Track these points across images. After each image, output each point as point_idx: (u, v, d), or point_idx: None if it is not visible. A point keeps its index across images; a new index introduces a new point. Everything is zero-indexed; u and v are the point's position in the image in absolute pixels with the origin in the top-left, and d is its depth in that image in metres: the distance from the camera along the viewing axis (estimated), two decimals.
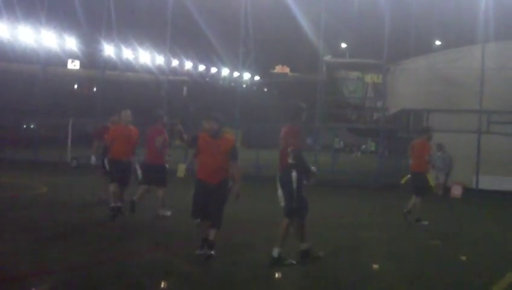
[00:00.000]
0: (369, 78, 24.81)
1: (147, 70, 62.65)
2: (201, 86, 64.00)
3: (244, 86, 39.97)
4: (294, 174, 8.23)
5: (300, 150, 8.38)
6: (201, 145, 8.47)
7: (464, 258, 9.66)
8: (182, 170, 12.58)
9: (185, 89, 66.97)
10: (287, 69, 74.56)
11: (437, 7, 30.95)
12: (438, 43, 40.62)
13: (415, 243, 10.74)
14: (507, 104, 21.11)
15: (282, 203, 8.31)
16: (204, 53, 62.59)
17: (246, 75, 44.97)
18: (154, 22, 37.74)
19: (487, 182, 21.08)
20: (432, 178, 14.21)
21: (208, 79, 60.90)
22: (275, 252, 8.08)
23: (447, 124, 21.59)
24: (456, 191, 21.05)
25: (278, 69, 75.51)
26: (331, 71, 25.47)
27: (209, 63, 66.88)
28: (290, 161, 8.24)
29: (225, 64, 62.27)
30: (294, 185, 8.23)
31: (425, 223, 12.66)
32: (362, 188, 21.16)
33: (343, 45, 51.43)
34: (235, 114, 26.13)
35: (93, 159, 14.05)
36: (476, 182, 21.27)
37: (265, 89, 65.16)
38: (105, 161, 12.58)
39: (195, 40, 51.01)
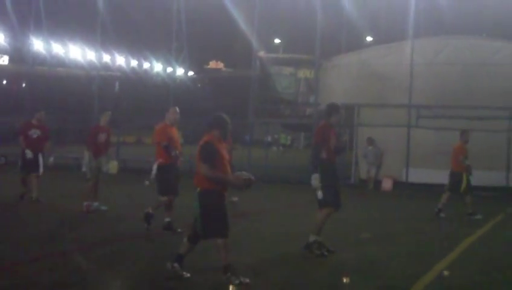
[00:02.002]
0: (302, 73, 25.00)
1: (77, 65, 61.36)
2: (134, 82, 63.23)
3: (178, 81, 39.60)
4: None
5: (317, 145, 9.09)
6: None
7: (393, 250, 9.87)
8: (114, 166, 12.74)
9: (117, 84, 66.01)
10: (221, 65, 74.42)
11: (368, 4, 31.40)
12: (369, 39, 41.23)
13: (346, 236, 10.87)
14: (435, 99, 21.66)
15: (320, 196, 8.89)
16: (136, 48, 61.85)
17: (180, 71, 44.61)
18: (84, 16, 36.97)
19: (416, 175, 21.59)
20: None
21: (140, 74, 60.19)
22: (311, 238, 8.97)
23: (378, 119, 22.02)
24: (387, 185, 21.50)
25: (212, 64, 75.30)
26: (265, 66, 25.55)
27: (141, 58, 66.14)
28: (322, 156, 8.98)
29: (158, 60, 61.68)
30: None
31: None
32: (295, 183, 21.24)
33: (277, 41, 51.66)
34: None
35: (51, 159, 14.11)
36: (406, 175, 21.75)
37: (199, 85, 64.92)
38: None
39: (127, 35, 50.32)
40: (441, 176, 21.04)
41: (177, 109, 11.05)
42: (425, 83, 21.89)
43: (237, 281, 7.17)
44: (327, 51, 25.96)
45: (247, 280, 7.25)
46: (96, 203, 12.80)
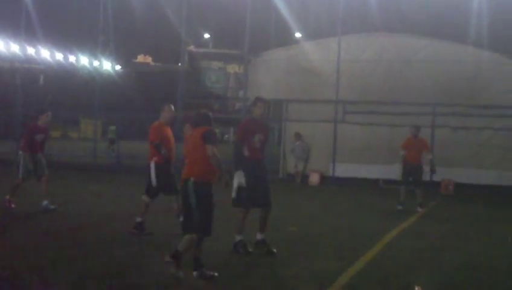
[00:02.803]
0: (231, 68, 25.00)
1: (1, 57, 59.46)
2: (59, 75, 61.80)
3: (104, 75, 38.95)
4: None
5: (238, 142, 8.83)
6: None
7: (320, 241, 9.99)
8: None
9: (41, 77, 64.37)
10: (149, 59, 73.61)
11: (297, 0, 31.67)
12: (298, 35, 41.52)
13: (274, 229, 10.92)
14: (361, 95, 22.08)
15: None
16: (62, 41, 60.45)
17: (106, 64, 43.90)
18: (8, 8, 35.88)
19: (343, 170, 21.96)
20: None
21: (66, 68, 58.91)
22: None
23: (305, 114, 22.27)
24: (314, 179, 21.78)
25: (140, 58, 74.41)
26: (194, 61, 25.41)
27: (67, 51, 64.71)
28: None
29: (84, 53, 60.53)
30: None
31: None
32: None
33: (206, 36, 51.49)
34: (95, 104, 25.46)
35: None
36: (333, 169, 22.09)
37: (127, 79, 64.05)
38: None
39: (52, 27, 49.09)
40: (366, 171, 21.66)
41: (172, 107, 10.71)
42: (352, 79, 22.28)
43: (173, 271, 7.08)
44: (256, 46, 26.05)
45: (181, 275, 7.11)
46: (45, 202, 12.21)
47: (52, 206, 12.24)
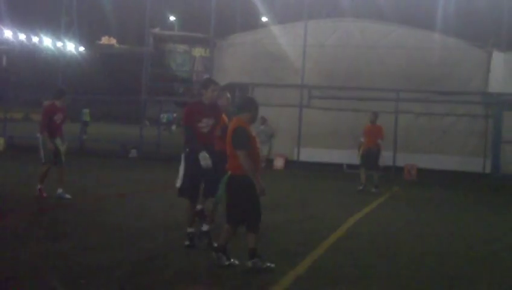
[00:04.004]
0: (197, 51, 24.82)
1: None
2: (22, 56, 60.71)
3: (68, 56, 38.42)
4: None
5: (185, 127, 8.21)
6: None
7: (283, 225, 10.04)
8: (0, 143, 12.06)
9: (4, 58, 63.14)
10: (113, 41, 72.60)
11: None
12: (264, 19, 41.42)
13: None
14: (327, 80, 22.15)
15: None
16: (25, 22, 59.32)
17: (70, 46, 43.26)
18: None
19: (307, 154, 22.07)
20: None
21: (29, 48, 57.79)
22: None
23: (271, 98, 22.25)
24: (279, 163, 21.83)
25: (104, 40, 73.32)
26: (159, 44, 25.15)
27: (30, 32, 63.57)
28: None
29: (47, 34, 59.53)
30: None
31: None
32: None
33: (172, 18, 51.06)
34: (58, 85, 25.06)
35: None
36: (298, 154, 22.18)
37: (91, 60, 63.25)
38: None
39: (15, 7, 48.19)
40: (331, 155, 21.78)
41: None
42: (318, 64, 22.34)
43: (227, 262, 7.09)
44: (222, 29, 25.90)
45: (273, 266, 7.13)
46: (60, 190, 11.77)
47: (68, 196, 11.76)
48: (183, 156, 8.18)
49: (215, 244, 7.35)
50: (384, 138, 16.38)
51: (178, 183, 8.12)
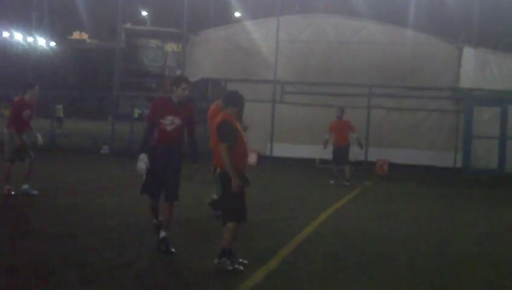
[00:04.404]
0: (169, 47, 24.67)
1: None
2: None
3: (39, 52, 38.01)
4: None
5: (148, 122, 7.91)
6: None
7: (255, 219, 10.05)
8: None
9: None
10: (85, 36, 71.96)
11: None
12: (237, 14, 41.40)
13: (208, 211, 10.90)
14: (300, 75, 22.18)
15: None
16: None
17: (41, 41, 42.79)
18: None
19: (280, 150, 22.11)
20: None
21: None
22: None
23: (244, 94, 22.04)
24: (252, 159, 21.75)
25: (76, 35, 72.63)
26: (131, 39, 24.96)
27: (0, 27, 62.75)
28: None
29: (18, 29, 58.84)
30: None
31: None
32: None
33: (144, 13, 50.80)
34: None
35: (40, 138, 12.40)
36: (270, 149, 22.21)
37: (62, 56, 62.68)
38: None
39: None
40: (303, 151, 21.83)
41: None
42: (290, 60, 22.35)
43: (230, 267, 6.93)
44: (195, 25, 25.80)
45: (242, 268, 7.00)
46: (26, 186, 11.58)
47: (35, 192, 11.59)
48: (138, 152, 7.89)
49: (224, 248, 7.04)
50: (356, 130, 16.85)
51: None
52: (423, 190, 16.29)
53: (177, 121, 7.78)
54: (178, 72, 24.24)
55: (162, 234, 7.76)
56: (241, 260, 7.10)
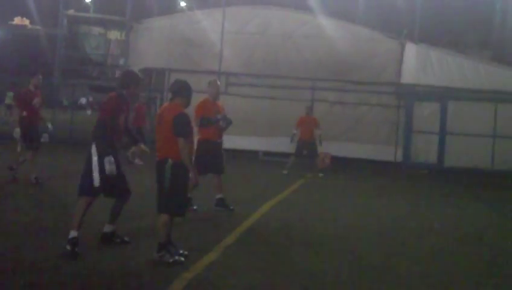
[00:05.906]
0: (112, 34, 24.30)
1: None
2: None
3: None
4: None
5: (105, 120, 7.33)
6: None
7: (200, 211, 10.02)
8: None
9: None
10: (26, 21, 70.35)
11: None
12: (182, 4, 41.06)
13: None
14: (244, 67, 22.13)
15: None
16: None
17: None
18: None
19: (226, 142, 21.99)
20: None
21: None
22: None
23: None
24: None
25: (17, 20, 70.93)
26: (73, 26, 24.48)
27: None
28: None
29: None
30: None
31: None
32: None
33: (87, 0, 49.85)
34: None
35: (17, 131, 11.97)
36: None
37: (3, 41, 61.07)
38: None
39: None
40: (247, 142, 21.82)
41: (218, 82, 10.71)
42: (236, 51, 22.26)
43: (171, 260, 6.85)
44: (139, 13, 25.44)
45: (182, 259, 6.92)
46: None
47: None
48: (95, 150, 7.26)
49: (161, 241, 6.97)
50: (321, 128, 17.89)
51: (96, 182, 7.19)
52: (363, 183, 16.53)
53: (123, 117, 7.57)
54: (121, 61, 23.96)
55: (110, 228, 7.61)
56: (181, 251, 7.05)
